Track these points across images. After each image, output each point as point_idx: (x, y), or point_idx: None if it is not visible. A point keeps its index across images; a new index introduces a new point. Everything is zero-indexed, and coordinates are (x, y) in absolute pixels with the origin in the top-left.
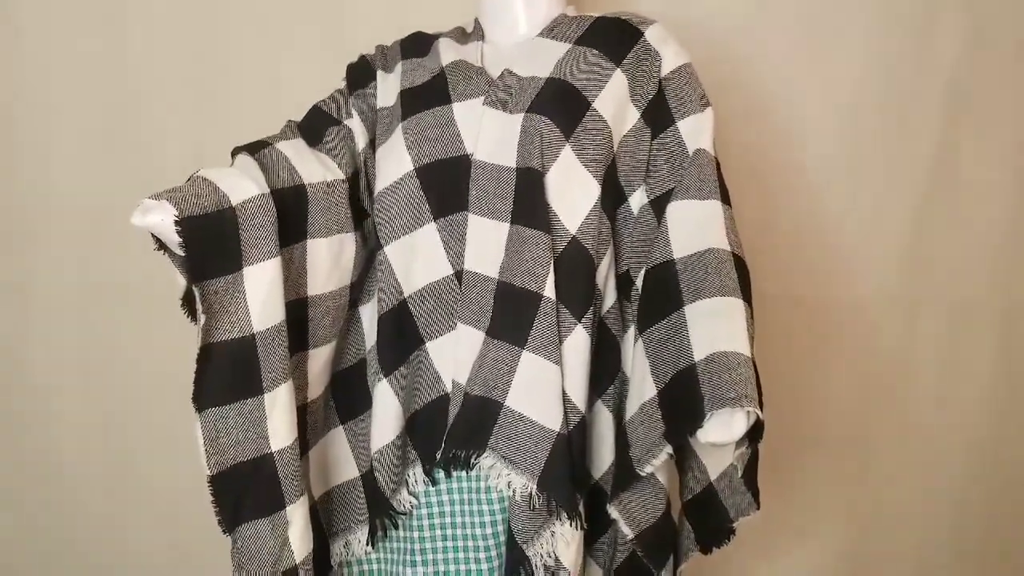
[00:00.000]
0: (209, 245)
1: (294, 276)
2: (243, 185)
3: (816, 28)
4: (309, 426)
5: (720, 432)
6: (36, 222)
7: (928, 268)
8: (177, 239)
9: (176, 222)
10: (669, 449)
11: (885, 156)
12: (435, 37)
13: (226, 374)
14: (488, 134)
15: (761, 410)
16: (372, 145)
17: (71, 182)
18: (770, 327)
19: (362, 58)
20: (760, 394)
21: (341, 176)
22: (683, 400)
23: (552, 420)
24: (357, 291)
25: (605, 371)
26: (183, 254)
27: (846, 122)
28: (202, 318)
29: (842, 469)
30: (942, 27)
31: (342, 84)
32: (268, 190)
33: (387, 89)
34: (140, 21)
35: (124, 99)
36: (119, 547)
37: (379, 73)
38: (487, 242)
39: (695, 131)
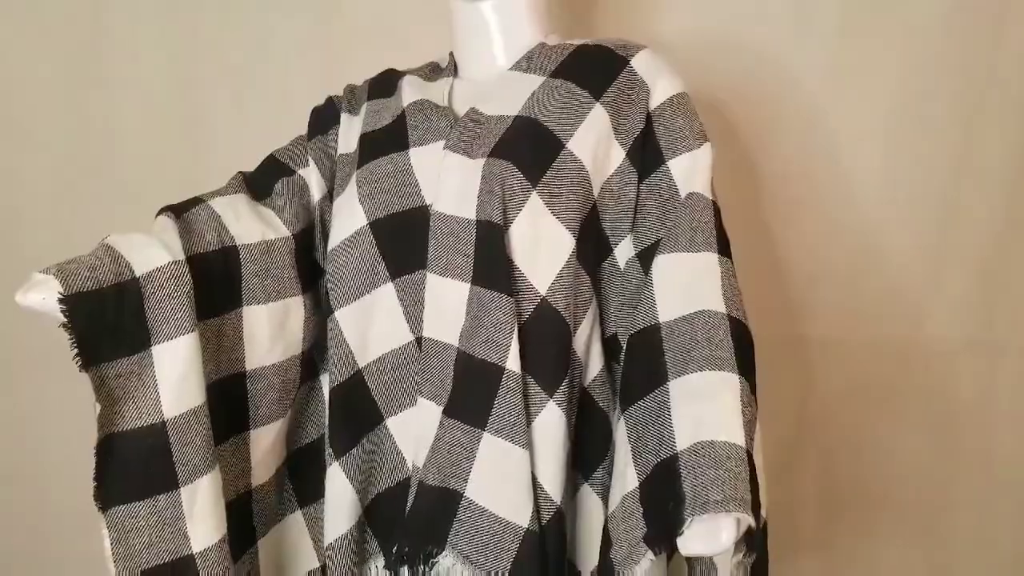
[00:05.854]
0: (105, 324)
1: (228, 349)
2: (151, 253)
3: (862, 17)
4: (256, 515)
5: (702, 543)
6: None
7: (1014, 305)
8: (63, 319)
9: (60, 299)
10: (651, 555)
11: (952, 174)
12: (403, 75)
13: (133, 468)
14: (448, 182)
15: (756, 514)
16: (331, 196)
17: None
18: (830, 372)
19: (328, 100)
20: (757, 493)
21: (285, 233)
22: (665, 499)
23: (519, 514)
24: (319, 358)
25: (593, 450)
26: (68, 336)
27: (905, 134)
28: (98, 407)
29: (914, 534)
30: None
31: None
32: (183, 256)
33: (350, 134)
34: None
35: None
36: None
37: (343, 116)
38: (447, 305)
39: (689, 171)
